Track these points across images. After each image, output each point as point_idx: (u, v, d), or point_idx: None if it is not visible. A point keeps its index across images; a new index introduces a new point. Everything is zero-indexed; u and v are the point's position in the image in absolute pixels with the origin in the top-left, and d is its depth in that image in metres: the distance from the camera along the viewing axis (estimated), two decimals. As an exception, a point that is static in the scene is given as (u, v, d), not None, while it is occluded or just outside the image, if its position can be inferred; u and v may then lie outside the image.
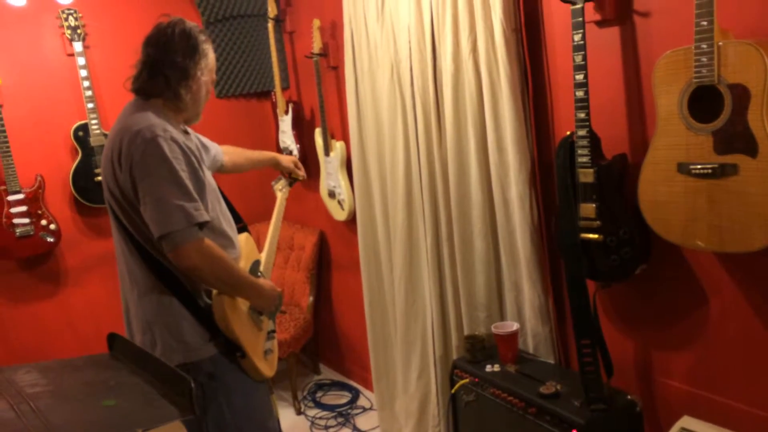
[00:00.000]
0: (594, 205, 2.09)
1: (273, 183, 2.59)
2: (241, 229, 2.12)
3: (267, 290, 2.02)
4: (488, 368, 2.47)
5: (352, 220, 3.47)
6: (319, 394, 3.86)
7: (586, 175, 2.08)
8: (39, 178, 3.45)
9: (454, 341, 2.81)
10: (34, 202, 3.43)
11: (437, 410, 2.97)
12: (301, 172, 2.54)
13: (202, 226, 1.79)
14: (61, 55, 3.55)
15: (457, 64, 2.53)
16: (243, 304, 1.97)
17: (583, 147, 2.07)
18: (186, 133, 1.97)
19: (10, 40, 3.42)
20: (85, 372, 1.55)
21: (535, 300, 2.46)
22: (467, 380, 2.49)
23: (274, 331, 2.14)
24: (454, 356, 2.79)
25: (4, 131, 3.30)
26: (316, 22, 3.44)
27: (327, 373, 4.13)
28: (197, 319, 1.86)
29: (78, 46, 3.49)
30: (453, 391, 2.54)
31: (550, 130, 2.41)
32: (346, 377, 4.02)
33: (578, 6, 2.01)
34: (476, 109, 2.51)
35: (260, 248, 2.30)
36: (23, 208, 3.39)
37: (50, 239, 3.48)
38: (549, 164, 2.42)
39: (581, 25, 2.00)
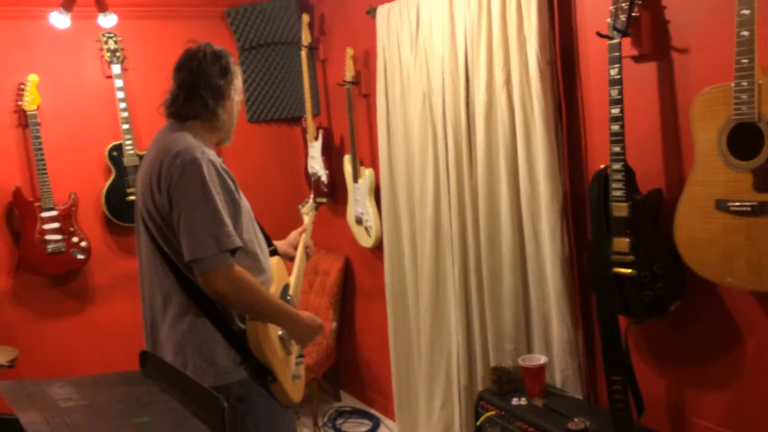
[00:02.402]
0: (628, 240, 2.07)
1: (300, 206, 2.61)
2: (272, 252, 2.13)
3: (304, 320, 2.02)
4: (515, 401, 2.43)
5: (378, 247, 3.47)
6: (339, 421, 3.83)
7: (620, 209, 2.07)
8: (73, 196, 3.52)
9: (479, 372, 2.78)
10: (67, 219, 3.49)
11: (461, 442, 2.93)
12: (300, 209, 2.51)
13: (234, 252, 1.81)
14: (99, 77, 3.64)
15: (490, 95, 2.55)
16: (274, 329, 1.97)
17: (617, 181, 2.06)
18: (218, 156, 2.01)
19: (51, 61, 3.51)
20: (117, 388, 1.55)
21: (564, 334, 2.44)
22: (493, 412, 2.45)
23: (302, 356, 2.14)
24: (480, 388, 2.76)
25: (41, 149, 3.38)
26: (350, 51, 3.49)
27: (347, 400, 4.10)
28: (229, 342, 1.87)
29: (116, 69, 3.58)
30: (479, 423, 2.50)
31: (582, 162, 2.40)
32: (367, 405, 3.99)
33: (615, 41, 2.02)
34: (508, 140, 2.51)
35: (288, 271, 2.30)
36: (56, 225, 3.45)
37: (81, 256, 3.53)
38: (581, 197, 2.41)
39: (618, 60, 2.01)
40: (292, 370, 2.05)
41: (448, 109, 2.76)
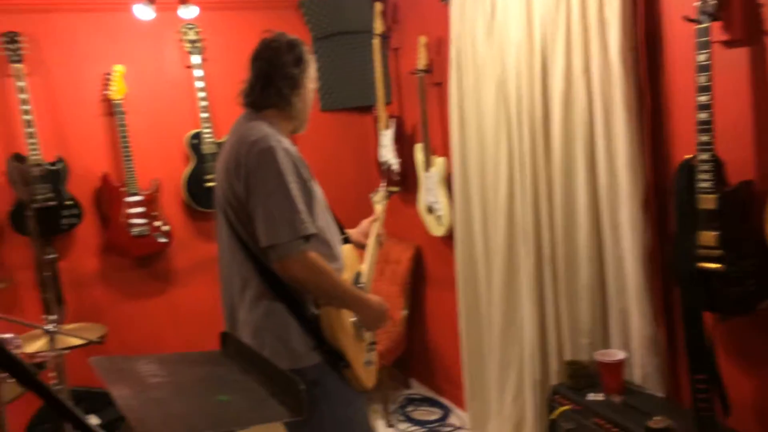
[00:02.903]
0: (715, 233, 1.98)
1: (371, 195, 2.62)
2: (344, 240, 2.16)
3: (375, 306, 2.04)
4: (591, 397, 2.38)
5: (449, 236, 3.46)
6: (409, 409, 3.85)
7: (707, 202, 1.98)
8: (155, 182, 3.66)
9: (553, 366, 2.73)
10: (151, 204, 3.63)
11: (532, 435, 2.90)
12: (373, 195, 2.52)
13: (308, 238, 1.84)
14: (180, 67, 3.76)
15: (568, 83, 2.49)
16: (348, 315, 2.00)
17: (704, 171, 1.97)
18: (293, 145, 2.04)
19: (136, 51, 3.65)
20: (199, 367, 1.61)
21: (645, 329, 2.36)
22: (568, 407, 2.41)
23: (374, 343, 2.16)
24: (553, 382, 2.71)
25: (126, 137, 3.53)
26: (422, 39, 3.47)
27: (417, 388, 4.12)
28: (304, 327, 1.90)
29: (196, 59, 3.69)
30: (553, 417, 2.46)
31: (666, 152, 2.31)
32: (437, 394, 4.00)
33: (704, 25, 1.93)
34: (587, 129, 2.45)
35: (360, 259, 2.32)
36: (140, 210, 3.60)
37: (163, 240, 3.67)
38: (664, 188, 2.32)
39: (707, 45, 1.92)
40: (365, 357, 2.07)
41: (524, 98, 2.71)
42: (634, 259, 2.33)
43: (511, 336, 2.95)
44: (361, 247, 2.36)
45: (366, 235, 2.38)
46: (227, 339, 1.72)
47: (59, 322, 3.38)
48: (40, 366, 2.36)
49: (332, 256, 1.99)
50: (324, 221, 1.98)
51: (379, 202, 2.58)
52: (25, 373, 0.73)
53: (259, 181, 1.83)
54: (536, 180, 2.70)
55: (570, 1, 2.43)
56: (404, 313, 3.88)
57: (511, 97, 2.80)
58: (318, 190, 1.99)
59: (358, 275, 2.15)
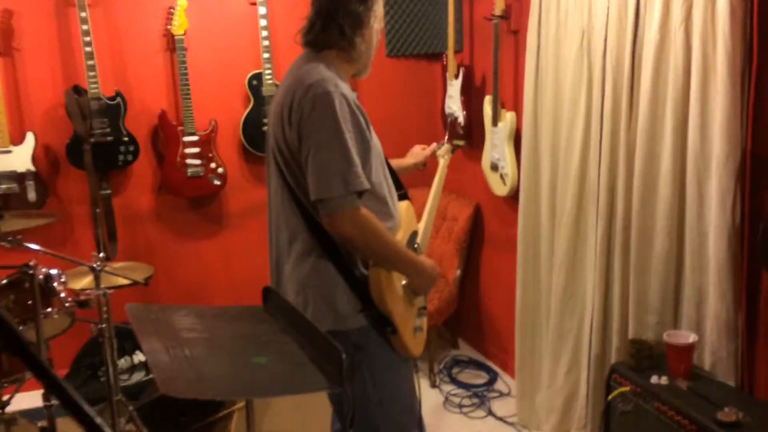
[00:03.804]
0: (821, 215, 1.74)
1: (435, 147, 2.45)
2: (402, 196, 2.01)
3: (427, 269, 1.90)
4: (654, 379, 2.21)
5: (513, 196, 3.26)
6: (455, 370, 3.75)
7: (817, 178, 1.73)
8: (213, 123, 3.57)
9: (614, 343, 2.55)
10: (207, 145, 3.56)
11: (585, 412, 2.75)
12: (438, 148, 2.36)
13: (362, 194, 1.70)
14: (244, 3, 3.61)
15: (663, 34, 2.23)
16: (399, 278, 1.87)
17: (817, 143, 1.72)
18: (353, 90, 1.89)
19: (199, -14, 3.53)
20: (239, 323, 1.53)
21: (723, 313, 2.15)
22: (628, 388, 2.25)
23: (425, 308, 2.03)
24: (613, 359, 2.54)
25: (186, 75, 3.44)
26: (501, -18, 3.21)
27: (465, 350, 4.01)
28: (351, 287, 1.79)
29: (260, -4, 3.53)
30: (610, 398, 2.31)
31: (771, 120, 2.05)
32: (485, 357, 3.87)
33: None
34: (680, 88, 2.20)
35: (418, 217, 2.18)
36: (196, 150, 3.53)
37: (217, 182, 3.61)
38: (762, 159, 2.07)
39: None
40: (414, 322, 1.94)
41: (610, 51, 2.45)
42: (720, 235, 2.11)
43: (572, 306, 2.77)
44: (417, 168, 2.28)
45: (415, 156, 2.28)
46: (270, 295, 1.63)
47: (110, 258, 3.41)
48: (85, 303, 2.34)
49: (387, 213, 1.85)
50: (380, 176, 1.84)
51: (442, 156, 2.41)
52: (23, 349, 0.62)
53: (312, 129, 1.69)
54: (615, 142, 2.48)
55: (673, -59, 2.16)
56: (458, 273, 3.74)
57: (596, 49, 2.55)
58: (376, 142, 1.84)
59: (413, 235, 2.01)
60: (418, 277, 1.88)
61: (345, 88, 1.75)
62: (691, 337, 2.21)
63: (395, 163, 2.26)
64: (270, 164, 1.89)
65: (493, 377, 3.64)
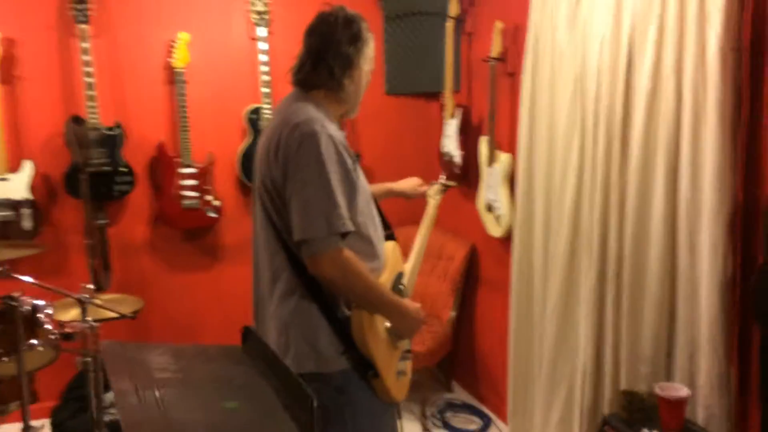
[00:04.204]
0: (812, 269, 1.71)
1: (426, 187, 2.43)
2: (389, 236, 1.99)
3: (411, 312, 1.87)
4: (645, 433, 2.16)
5: (507, 237, 3.24)
6: (448, 414, 3.68)
7: (807, 231, 1.71)
8: (210, 156, 3.58)
9: (606, 393, 2.50)
10: (203, 177, 3.56)
11: (576, 462, 2.68)
12: (428, 188, 2.36)
13: (344, 235, 1.69)
14: (245, 39, 3.65)
15: (655, 82, 2.23)
16: (382, 321, 1.84)
17: (807, 196, 1.70)
18: (340, 130, 1.89)
19: (202, 20, 3.57)
20: (215, 364, 1.49)
21: (715, 366, 2.11)
22: (618, 441, 2.19)
23: (409, 351, 1.99)
24: (605, 410, 2.49)
25: (185, 107, 3.46)
26: (498, 25, 3.24)
27: (459, 393, 3.94)
28: (333, 329, 1.76)
29: (262, 31, 3.57)
30: (600, 450, 2.25)
31: (761, 170, 2.03)
32: (479, 401, 3.81)
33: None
34: (672, 135, 2.19)
35: (405, 257, 2.16)
36: (193, 182, 3.53)
37: (213, 215, 3.60)
38: (755, 210, 2.05)
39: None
40: (397, 366, 1.91)
41: (603, 96, 2.46)
42: (711, 285, 2.07)
43: (564, 353, 2.73)
44: (405, 196, 2.32)
45: (411, 187, 2.33)
46: (249, 335, 1.60)
47: (104, 288, 3.39)
48: (70, 336, 2.31)
49: (372, 253, 1.83)
50: (367, 215, 1.82)
51: (432, 196, 2.40)
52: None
53: (297, 168, 1.68)
54: (608, 187, 2.46)
55: (667, -9, 2.17)
56: (452, 313, 3.69)
57: (589, 94, 2.55)
58: (362, 182, 1.82)
59: (399, 276, 1.99)
60: (402, 320, 1.85)
61: (332, 128, 1.75)
62: (684, 391, 2.16)
63: (386, 186, 2.27)
64: (256, 202, 1.88)
65: (487, 423, 3.57)
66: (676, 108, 2.17)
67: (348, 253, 1.69)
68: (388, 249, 1.95)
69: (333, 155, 1.69)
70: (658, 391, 2.17)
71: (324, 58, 1.81)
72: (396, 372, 1.89)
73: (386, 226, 2.01)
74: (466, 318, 3.88)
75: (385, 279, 1.89)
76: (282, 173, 1.71)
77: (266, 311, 1.86)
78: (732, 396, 2.10)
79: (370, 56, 1.90)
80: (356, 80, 1.86)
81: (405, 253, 2.12)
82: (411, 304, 1.90)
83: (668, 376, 2.32)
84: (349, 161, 1.73)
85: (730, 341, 2.09)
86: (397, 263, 1.99)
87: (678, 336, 2.26)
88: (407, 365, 1.99)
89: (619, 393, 2.34)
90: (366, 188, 1.85)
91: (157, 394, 1.26)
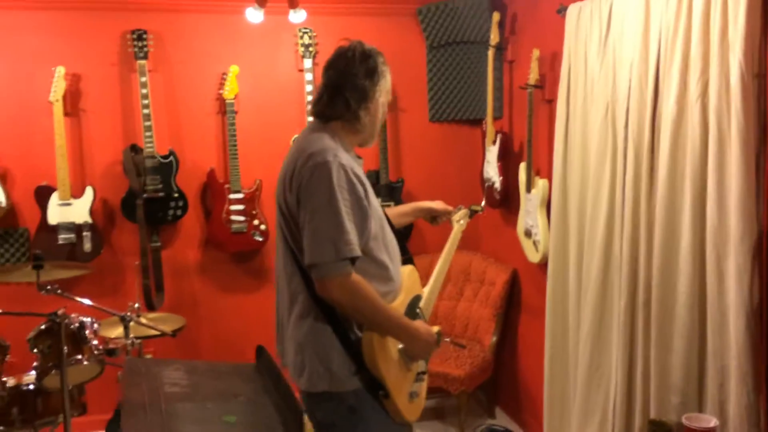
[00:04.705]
0: (834, 299, 1.66)
1: (452, 211, 2.45)
2: (406, 260, 2.04)
3: (423, 335, 1.91)
4: (671, 465, 2.11)
5: (545, 263, 3.23)
6: (488, 440, 3.66)
7: (828, 260, 1.66)
8: (258, 182, 3.74)
9: (637, 422, 2.45)
10: (251, 202, 3.72)
11: (609, 493, 2.62)
12: (452, 216, 2.37)
13: (354, 260, 1.75)
14: (293, 71, 3.81)
15: (680, 107, 2.22)
16: (394, 343, 1.89)
17: (827, 224, 1.66)
18: (358, 158, 1.96)
19: (252, 53, 3.75)
20: (225, 380, 1.59)
21: (744, 397, 2.05)
22: (644, 472, 2.15)
23: (424, 373, 2.03)
24: (636, 439, 2.44)
25: (235, 136, 3.64)
26: (536, 52, 3.27)
27: (502, 419, 3.91)
28: (346, 350, 1.82)
29: (308, 63, 3.72)
30: (625, 480, 2.21)
31: (788, 197, 1.98)
32: (520, 427, 3.76)
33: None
34: (698, 162, 2.17)
35: (425, 281, 2.19)
36: (241, 207, 3.70)
37: (259, 238, 3.75)
38: (782, 238, 2.00)
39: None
40: (410, 387, 1.95)
41: (632, 122, 2.45)
42: (738, 314, 2.02)
43: (598, 380, 2.69)
44: (433, 214, 2.33)
45: (421, 209, 2.34)
46: (261, 354, 1.69)
47: (157, 308, 3.57)
48: (113, 352, 2.46)
49: (386, 277, 1.89)
50: (380, 240, 1.88)
51: (457, 221, 2.42)
52: None
53: (309, 196, 1.77)
54: (637, 213, 2.44)
55: (692, 16, 2.17)
56: (493, 339, 3.69)
57: (619, 120, 2.55)
58: (376, 209, 1.89)
59: (416, 299, 2.03)
60: (412, 342, 1.89)
61: (345, 158, 1.83)
62: (712, 422, 2.10)
63: (413, 204, 2.35)
64: (277, 226, 1.97)
65: (527, 449, 3.53)
66: (703, 135, 2.15)
67: (356, 278, 1.76)
68: (405, 273, 2.00)
69: (344, 184, 1.77)
70: (684, 421, 2.12)
71: (341, 91, 1.90)
72: (408, 393, 1.93)
73: (404, 251, 2.06)
74: (509, 343, 3.86)
75: (400, 302, 1.94)
76: (296, 200, 1.80)
77: (286, 332, 1.94)
78: (762, 428, 2.03)
79: (387, 89, 1.97)
80: (372, 112, 1.93)
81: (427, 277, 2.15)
82: (423, 326, 1.94)
83: (700, 407, 2.26)
84: (359, 189, 1.80)
85: (758, 371, 2.02)
86: (414, 286, 2.04)
87: (708, 366, 2.21)
88: (421, 386, 2.02)
89: (648, 422, 2.29)
90: (380, 214, 1.92)
91: (163, 406, 1.36)
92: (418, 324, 1.93)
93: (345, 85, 1.89)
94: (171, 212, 3.64)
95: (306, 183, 1.77)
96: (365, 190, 1.82)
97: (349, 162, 1.82)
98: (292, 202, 1.82)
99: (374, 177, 3.91)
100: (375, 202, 1.89)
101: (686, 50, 2.20)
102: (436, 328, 2.09)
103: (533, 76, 3.28)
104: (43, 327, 2.44)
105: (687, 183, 2.21)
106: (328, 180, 1.75)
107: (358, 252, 1.75)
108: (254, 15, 3.38)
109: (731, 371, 2.09)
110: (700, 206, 2.18)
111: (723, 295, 2.12)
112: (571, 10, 2.91)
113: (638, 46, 2.42)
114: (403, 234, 3.98)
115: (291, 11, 3.44)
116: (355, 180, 1.79)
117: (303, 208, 1.78)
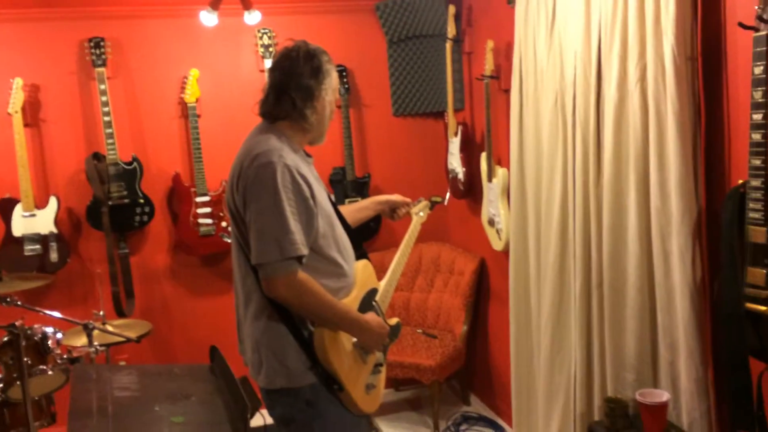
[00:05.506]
0: (765, 271, 1.72)
1: (412, 204, 2.47)
2: (361, 255, 2.08)
3: (373, 327, 1.96)
4: (627, 440, 2.17)
5: (508, 250, 3.28)
6: (463, 427, 3.72)
7: (758, 235, 1.73)
8: (224, 184, 3.75)
9: (596, 401, 2.51)
10: (218, 204, 3.74)
11: (575, 472, 2.69)
12: (411, 209, 2.40)
13: (300, 259, 1.78)
14: (253, 72, 3.83)
15: (621, 93, 2.27)
16: (347, 337, 1.93)
17: (755, 200, 1.72)
18: (308, 156, 1.99)
19: (211, 56, 3.76)
20: (177, 382, 1.62)
21: (693, 371, 2.11)
22: (602, 449, 2.21)
23: (381, 365, 2.07)
24: (596, 417, 2.50)
25: (199, 139, 3.65)
26: (490, 44, 3.32)
27: (477, 406, 3.97)
28: (300, 346, 1.86)
29: (268, 63, 3.74)
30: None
31: (723, 176, 2.04)
32: (495, 414, 3.83)
33: (762, 33, 1.68)
34: (640, 145, 2.22)
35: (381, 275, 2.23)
36: (208, 210, 3.71)
37: (228, 240, 3.76)
38: (717, 216, 2.05)
39: (764, 56, 1.67)
40: (366, 380, 1.99)
41: (579, 109, 2.51)
42: (682, 292, 2.09)
43: (560, 363, 2.75)
44: (391, 206, 2.34)
45: (379, 203, 2.34)
46: (215, 354, 1.72)
47: (128, 314, 3.58)
48: (76, 360, 2.48)
49: (338, 273, 1.93)
50: (330, 237, 1.92)
51: (416, 213, 2.45)
52: None
53: (253, 197, 1.80)
54: (586, 198, 2.50)
55: (628, 5, 2.22)
56: (464, 328, 3.74)
57: (568, 108, 2.60)
58: (324, 207, 1.92)
59: (371, 292, 2.07)
60: (363, 335, 1.94)
61: (291, 158, 1.85)
62: (664, 396, 2.16)
63: (372, 198, 2.37)
64: (231, 227, 2.00)
65: (502, 434, 3.60)
66: (643, 119, 2.20)
67: (303, 276, 1.79)
68: (358, 268, 2.04)
69: (289, 184, 1.80)
70: (638, 397, 2.18)
71: (286, 91, 1.92)
72: (365, 385, 1.98)
73: (357, 246, 2.10)
74: (480, 331, 3.92)
75: (354, 296, 1.98)
76: (243, 201, 1.84)
77: (243, 331, 1.97)
78: (711, 401, 2.10)
79: (333, 87, 2.00)
80: (319, 110, 1.96)
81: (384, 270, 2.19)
82: (374, 319, 1.98)
83: (654, 383, 2.32)
84: (305, 189, 1.83)
85: (704, 346, 2.09)
86: (369, 280, 2.08)
87: (659, 343, 2.27)
88: (378, 378, 2.06)
89: (604, 400, 2.36)
90: (328, 212, 1.95)
91: (110, 409, 1.39)
92: (369, 317, 1.97)
93: (290, 85, 1.91)
94: (137, 218, 3.65)
95: (251, 184, 1.80)
96: (311, 190, 1.86)
97: (294, 162, 1.85)
98: (239, 202, 1.85)
99: (341, 173, 3.94)
100: (323, 200, 1.93)
101: (624, 36, 2.25)
102: (394, 320, 2.14)
103: (488, 67, 3.33)
104: (6, 339, 2.45)
105: (631, 166, 2.27)
106: (272, 181, 1.78)
107: (303, 251, 1.78)
108: (208, 18, 3.40)
109: (680, 347, 2.15)
110: (643, 189, 2.24)
111: (669, 275, 2.18)
112: (520, 1, 2.95)
113: (581, 34, 2.47)
114: (372, 229, 4.03)
115: (245, 13, 3.46)
116: (300, 180, 1.83)
117: (248, 208, 1.81)
